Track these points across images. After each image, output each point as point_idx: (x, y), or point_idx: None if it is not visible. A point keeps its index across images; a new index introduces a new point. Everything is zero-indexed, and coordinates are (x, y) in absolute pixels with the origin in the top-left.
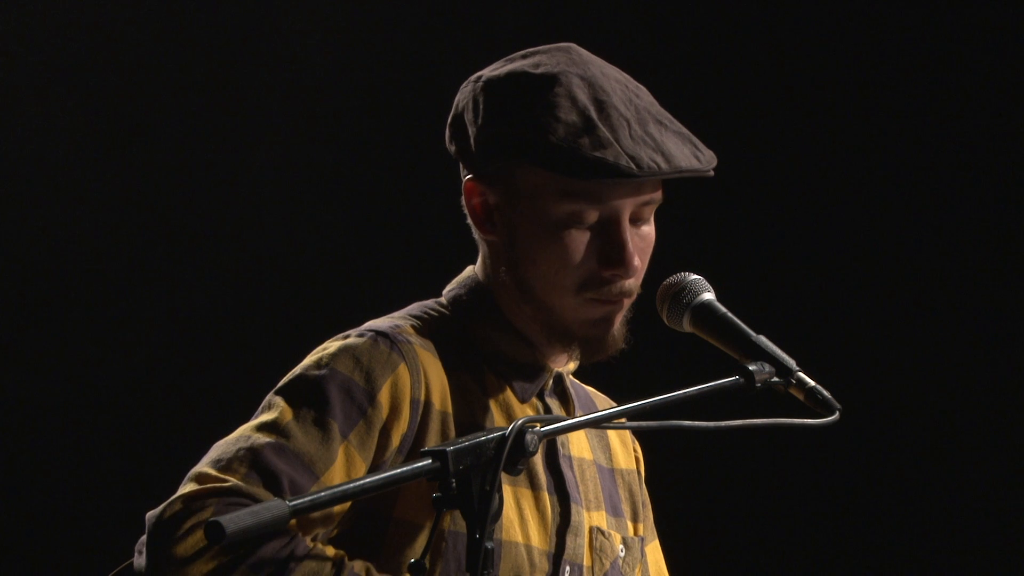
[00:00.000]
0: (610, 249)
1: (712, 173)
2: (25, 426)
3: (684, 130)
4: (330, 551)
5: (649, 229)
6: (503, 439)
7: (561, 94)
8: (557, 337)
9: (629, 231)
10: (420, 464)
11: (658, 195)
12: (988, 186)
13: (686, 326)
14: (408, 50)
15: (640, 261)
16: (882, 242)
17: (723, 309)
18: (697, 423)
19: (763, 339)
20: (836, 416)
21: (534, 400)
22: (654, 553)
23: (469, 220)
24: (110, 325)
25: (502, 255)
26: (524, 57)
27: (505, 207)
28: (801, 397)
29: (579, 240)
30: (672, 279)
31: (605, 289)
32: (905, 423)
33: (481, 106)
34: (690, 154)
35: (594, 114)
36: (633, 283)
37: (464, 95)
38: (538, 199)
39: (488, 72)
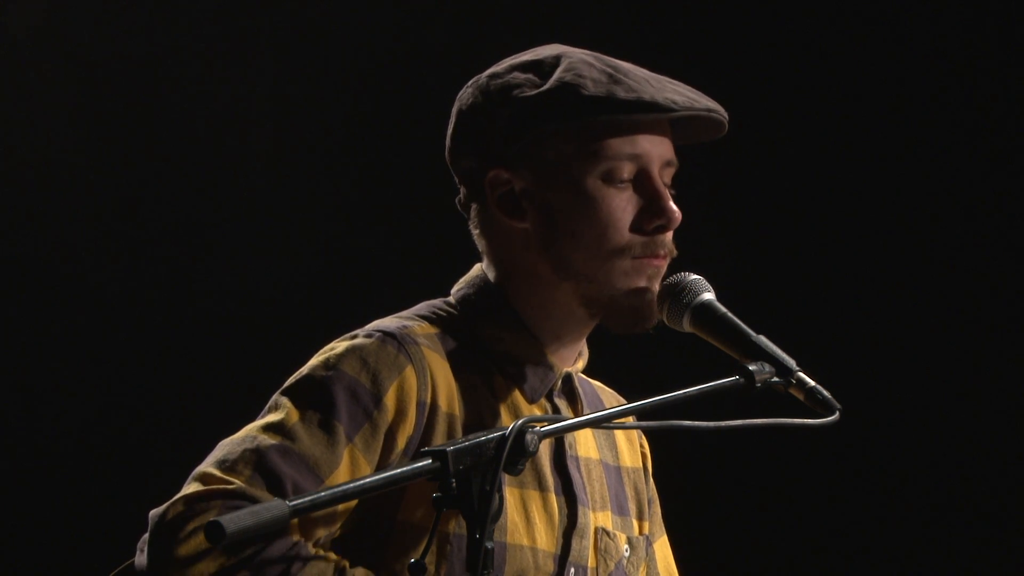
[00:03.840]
0: (649, 200)
1: (726, 127)
2: (27, 426)
3: (696, 90)
4: (332, 557)
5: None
6: (503, 439)
7: (576, 62)
8: (601, 310)
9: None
10: (420, 464)
11: (675, 159)
12: (989, 186)
13: (686, 326)
14: (414, 50)
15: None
16: (882, 242)
17: (723, 309)
18: (697, 423)
19: (763, 339)
20: (836, 416)
21: (542, 400)
22: (662, 549)
23: (476, 230)
24: (113, 323)
25: (534, 239)
26: (516, 57)
27: (535, 187)
28: (801, 397)
29: (617, 199)
30: (672, 279)
31: (650, 244)
32: (905, 423)
33: (494, 93)
34: (710, 102)
35: (613, 72)
36: (671, 240)
37: (466, 96)
38: (571, 166)
39: (486, 72)
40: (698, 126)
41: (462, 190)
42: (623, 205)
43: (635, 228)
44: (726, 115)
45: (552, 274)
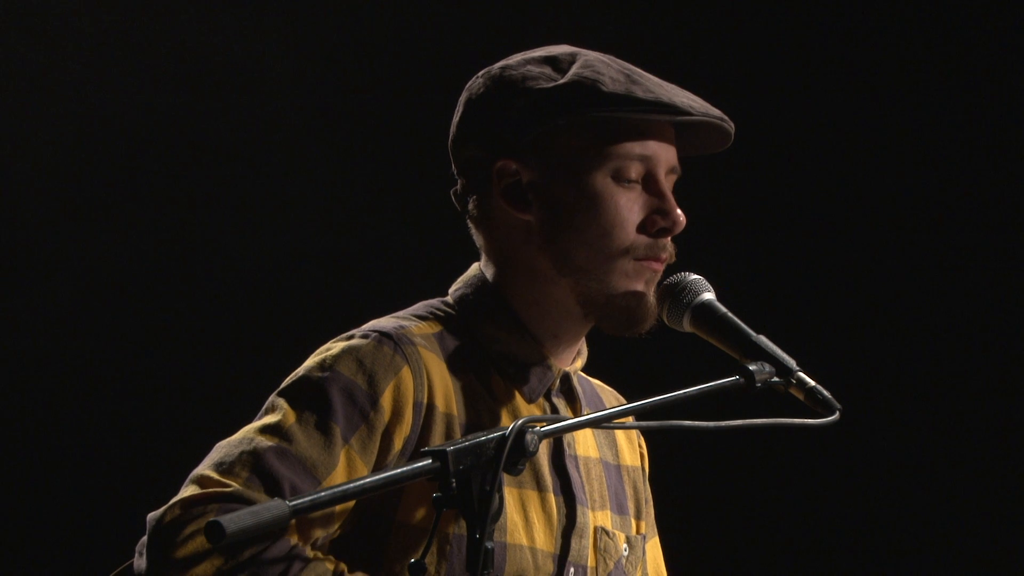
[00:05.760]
0: (655, 202)
1: (731, 140)
2: (27, 426)
3: (703, 100)
4: (330, 564)
5: None
6: (503, 439)
7: (593, 60)
8: (597, 309)
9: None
10: (420, 464)
11: (679, 167)
12: (988, 186)
13: (686, 326)
14: (412, 54)
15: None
16: (882, 242)
17: (723, 309)
18: (697, 423)
19: (763, 339)
20: (836, 416)
21: (541, 400)
22: (653, 550)
23: (475, 223)
24: (113, 323)
25: (537, 233)
26: (529, 53)
27: (542, 180)
28: (801, 397)
29: (624, 197)
30: (672, 279)
31: (653, 246)
32: (905, 423)
33: (508, 83)
34: (719, 113)
35: (630, 73)
36: (672, 244)
37: (477, 85)
38: (581, 161)
39: (499, 64)
40: (702, 138)
41: (460, 182)
42: (629, 205)
43: (640, 229)
44: (732, 128)
45: (551, 269)
